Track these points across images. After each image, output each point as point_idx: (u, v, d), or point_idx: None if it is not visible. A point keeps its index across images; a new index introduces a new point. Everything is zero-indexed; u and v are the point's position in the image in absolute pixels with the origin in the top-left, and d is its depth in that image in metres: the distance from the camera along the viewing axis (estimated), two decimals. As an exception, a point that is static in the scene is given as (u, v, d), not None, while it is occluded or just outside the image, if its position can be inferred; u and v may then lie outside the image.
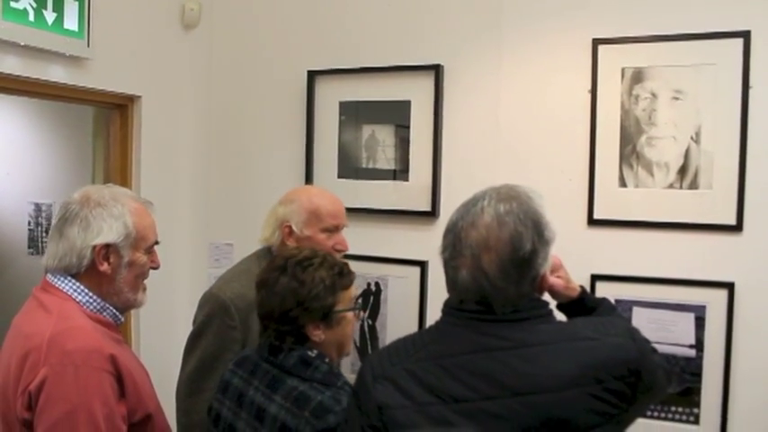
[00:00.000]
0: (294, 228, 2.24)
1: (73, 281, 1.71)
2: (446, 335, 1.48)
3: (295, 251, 1.86)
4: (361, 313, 1.88)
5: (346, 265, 1.85)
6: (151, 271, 1.84)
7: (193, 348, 2.20)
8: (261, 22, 3.13)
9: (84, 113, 3.69)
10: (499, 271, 1.41)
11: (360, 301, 1.86)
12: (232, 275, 2.27)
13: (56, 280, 1.71)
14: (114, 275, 1.73)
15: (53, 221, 1.76)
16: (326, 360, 1.78)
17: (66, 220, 1.71)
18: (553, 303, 1.67)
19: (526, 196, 1.49)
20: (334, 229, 2.28)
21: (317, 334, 1.76)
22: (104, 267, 1.71)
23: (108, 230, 1.70)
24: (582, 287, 1.77)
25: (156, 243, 1.84)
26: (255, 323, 2.13)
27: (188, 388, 2.18)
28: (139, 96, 2.99)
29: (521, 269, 1.42)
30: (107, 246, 1.70)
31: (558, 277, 1.71)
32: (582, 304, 1.74)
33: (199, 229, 3.25)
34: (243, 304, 2.13)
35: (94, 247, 1.69)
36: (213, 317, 2.16)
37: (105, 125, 3.11)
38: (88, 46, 2.66)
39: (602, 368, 1.38)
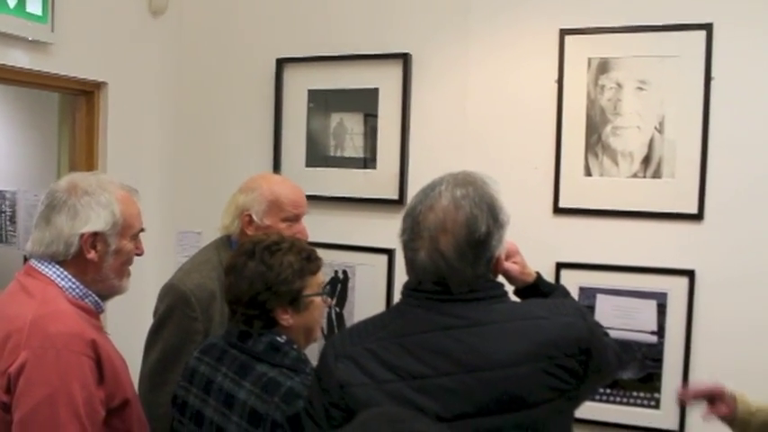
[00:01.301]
0: (254, 217, 2.22)
1: (57, 267, 1.71)
2: (405, 315, 1.53)
3: (263, 236, 1.87)
4: (329, 299, 1.89)
5: (314, 250, 1.87)
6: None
7: (155, 341, 2.19)
8: (230, 9, 3.11)
9: (50, 100, 3.64)
10: (455, 252, 1.46)
11: (328, 287, 1.86)
12: (191, 266, 2.25)
13: (40, 265, 1.71)
14: (101, 263, 1.74)
15: (39, 209, 1.76)
16: (295, 346, 1.79)
17: (53, 207, 1.71)
18: (510, 289, 1.71)
19: (482, 181, 1.55)
20: (295, 219, 2.27)
21: (286, 318, 1.77)
22: (92, 255, 1.71)
23: (96, 219, 1.71)
24: (537, 273, 1.84)
25: (142, 230, 1.84)
26: (217, 313, 2.13)
27: (151, 382, 2.17)
28: (106, 83, 2.95)
29: (476, 250, 1.48)
30: (95, 234, 1.71)
31: (514, 263, 1.78)
32: (537, 289, 1.81)
33: (166, 218, 3.23)
34: (203, 295, 2.13)
35: (82, 235, 1.69)
36: (174, 309, 2.15)
37: (71, 112, 3.07)
38: (52, 30, 2.62)
39: (554, 346, 1.45)
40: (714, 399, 2.00)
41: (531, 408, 1.44)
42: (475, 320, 1.47)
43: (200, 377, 1.83)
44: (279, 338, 1.77)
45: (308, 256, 1.82)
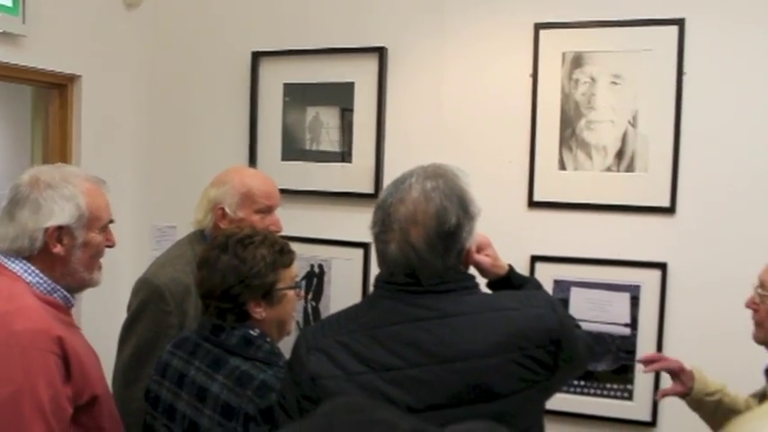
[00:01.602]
0: (227, 210, 2.22)
1: (24, 262, 1.68)
2: (376, 307, 1.54)
3: (236, 230, 1.86)
4: (302, 293, 1.90)
5: (286, 243, 1.87)
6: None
7: (129, 336, 2.18)
8: (205, 1, 3.09)
9: (23, 93, 3.61)
10: (426, 244, 1.47)
11: (303, 281, 1.86)
12: (165, 260, 2.24)
13: (7, 261, 1.69)
14: (69, 257, 1.71)
15: (2, 204, 1.73)
16: (268, 339, 1.79)
17: (16, 202, 1.69)
18: (483, 281, 1.73)
19: (452, 174, 1.55)
20: (268, 210, 2.28)
21: (259, 311, 1.77)
22: (58, 249, 1.69)
23: (60, 212, 1.68)
24: (510, 266, 1.85)
25: (111, 222, 1.82)
26: (191, 307, 2.13)
27: (125, 377, 2.15)
28: (79, 76, 2.92)
29: (446, 242, 1.49)
30: (59, 228, 1.68)
31: (486, 255, 1.80)
32: (509, 282, 1.82)
33: (141, 212, 3.21)
34: (177, 289, 2.12)
35: (46, 229, 1.67)
36: (148, 303, 2.13)
37: (44, 105, 3.03)
38: (23, 23, 2.58)
39: (524, 336, 1.46)
40: (673, 376, 2.07)
41: (501, 398, 1.45)
42: (445, 312, 1.48)
43: (172, 371, 1.82)
44: (252, 332, 1.77)
45: (280, 250, 1.82)
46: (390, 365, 1.46)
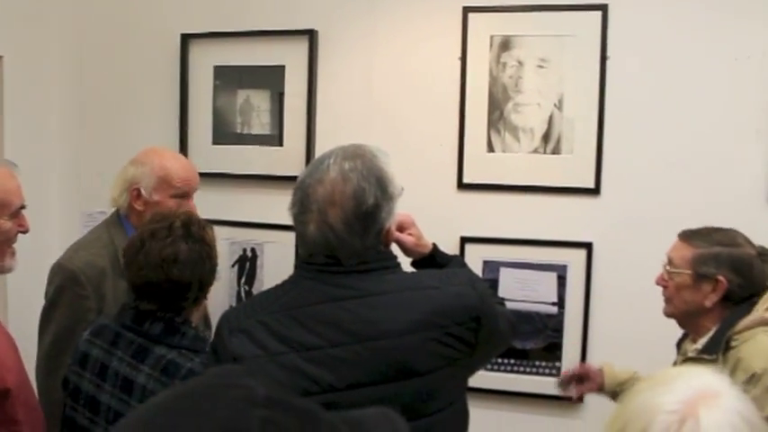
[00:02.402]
0: (143, 191, 2.18)
1: None
2: (297, 287, 1.55)
3: (172, 218, 1.78)
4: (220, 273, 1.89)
5: (209, 225, 1.85)
6: (22, 240, 1.77)
7: (47, 324, 2.13)
8: (132, -18, 3.02)
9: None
10: (344, 224, 1.48)
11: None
12: (80, 245, 2.20)
13: None
14: None
15: None
16: (193, 325, 1.77)
17: None
18: (407, 261, 1.75)
19: (371, 154, 1.56)
20: (184, 195, 2.24)
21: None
22: None
23: None
24: (434, 245, 1.87)
25: (23, 207, 1.77)
26: (109, 291, 2.09)
27: (47, 366, 2.10)
28: (1, 56, 2.84)
29: (365, 222, 1.50)
30: None
31: (410, 234, 1.82)
32: (433, 261, 1.84)
33: (71, 198, 3.13)
34: (93, 272, 2.08)
35: None
36: (63, 288, 2.09)
37: (-36, 87, 2.94)
38: (-61, 1, 2.50)
39: (444, 314, 1.48)
40: (583, 378, 2.21)
41: (422, 376, 1.47)
42: (366, 291, 1.50)
43: (93, 361, 1.77)
44: (176, 318, 1.74)
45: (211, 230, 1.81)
46: (311, 345, 1.47)
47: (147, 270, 1.70)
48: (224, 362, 1.51)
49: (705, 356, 1.83)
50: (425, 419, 1.49)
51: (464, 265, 1.89)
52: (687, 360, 1.92)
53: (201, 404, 0.60)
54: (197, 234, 1.73)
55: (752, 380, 1.69)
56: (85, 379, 1.77)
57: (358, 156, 1.54)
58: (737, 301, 1.86)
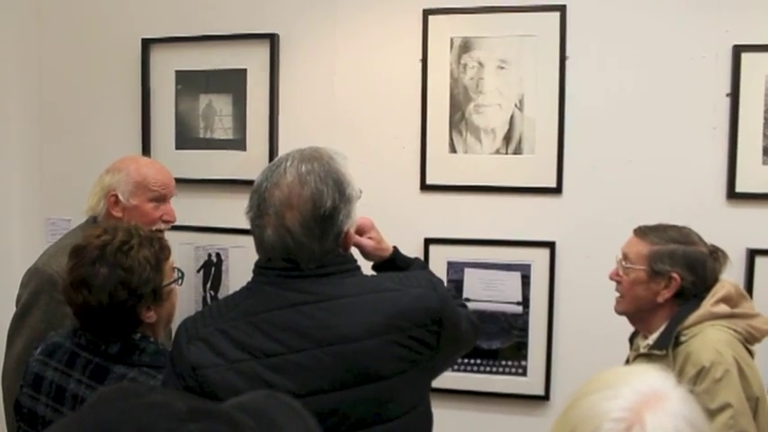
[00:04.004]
0: (121, 197, 2.19)
1: None
2: (256, 293, 1.52)
3: (104, 236, 1.68)
4: (181, 281, 1.82)
5: (158, 234, 1.80)
6: None
7: (20, 328, 2.09)
8: (92, -13, 3.00)
9: None
10: (302, 228, 1.46)
11: (177, 270, 1.80)
12: (56, 249, 2.17)
13: None
14: None
15: None
16: (152, 340, 1.71)
17: None
18: (367, 265, 1.74)
19: (328, 156, 1.54)
20: (162, 199, 2.25)
21: (150, 316, 1.68)
22: None
23: None
24: (395, 247, 1.86)
25: None
26: None
27: (18, 372, 2.02)
28: (-43, 64, 2.81)
29: (323, 225, 1.48)
30: None
31: (370, 238, 1.80)
32: (394, 264, 1.83)
33: (34, 205, 3.10)
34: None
35: None
36: (40, 293, 2.07)
37: None
38: None
39: (405, 317, 1.47)
40: None
41: (384, 380, 1.46)
42: (325, 295, 1.48)
43: (48, 384, 1.70)
44: (133, 335, 1.68)
45: (159, 245, 1.72)
46: (271, 352, 1.45)
47: (66, 291, 1.67)
48: (182, 372, 1.48)
49: (656, 352, 1.86)
50: (389, 423, 1.48)
51: (425, 268, 1.88)
52: (639, 356, 1.94)
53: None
54: (110, 257, 1.63)
55: (701, 373, 1.73)
56: (41, 403, 1.70)
57: (315, 158, 1.52)
58: (687, 298, 1.90)
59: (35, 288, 2.09)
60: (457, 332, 1.58)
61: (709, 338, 1.80)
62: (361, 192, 1.57)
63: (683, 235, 1.93)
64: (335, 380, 1.44)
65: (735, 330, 1.83)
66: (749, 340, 1.86)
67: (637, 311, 1.98)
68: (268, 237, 1.48)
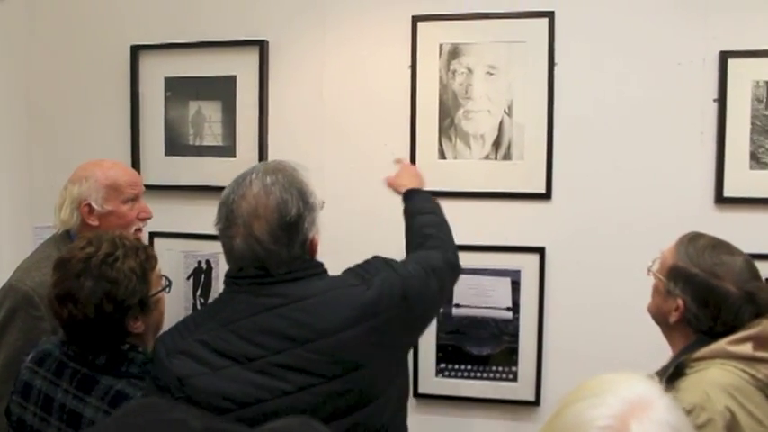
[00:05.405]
0: (94, 205, 2.17)
1: None
2: (230, 302, 1.59)
3: (88, 248, 1.66)
4: (169, 288, 1.82)
5: (143, 243, 1.79)
6: None
7: None
8: (81, -7, 2.99)
9: None
10: (269, 236, 1.55)
11: (164, 277, 1.79)
12: (30, 264, 2.15)
13: None
14: None
15: None
16: (140, 349, 1.70)
17: None
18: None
19: (291, 168, 1.65)
20: (135, 198, 2.24)
21: (138, 326, 1.67)
22: None
23: None
24: (410, 191, 2.15)
25: None
26: None
27: None
28: (-54, 71, 2.79)
29: (289, 232, 1.58)
30: None
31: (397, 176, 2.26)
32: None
33: (22, 213, 3.08)
34: (46, 292, 2.03)
35: None
36: (16, 310, 2.03)
37: None
38: None
39: (374, 304, 1.57)
40: None
41: (365, 366, 1.56)
42: (296, 297, 1.56)
43: (36, 393, 1.69)
44: (121, 346, 1.67)
45: (145, 255, 1.71)
46: (254, 356, 1.52)
47: (51, 305, 1.67)
48: (168, 385, 1.51)
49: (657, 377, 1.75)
50: (376, 401, 1.59)
51: (432, 211, 2.07)
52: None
53: None
54: (95, 270, 1.62)
55: None
56: (29, 411, 1.70)
57: (279, 170, 1.62)
58: (705, 332, 1.70)
59: (11, 306, 2.05)
60: (426, 294, 1.68)
61: (706, 378, 1.59)
62: (323, 202, 1.69)
63: (715, 264, 1.70)
64: (320, 374, 1.52)
65: (753, 376, 1.59)
66: None
67: (656, 320, 1.83)
68: (238, 246, 1.57)
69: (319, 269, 1.64)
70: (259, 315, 1.54)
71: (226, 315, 1.56)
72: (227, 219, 1.59)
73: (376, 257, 1.75)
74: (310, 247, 1.64)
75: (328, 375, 1.52)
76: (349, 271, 1.69)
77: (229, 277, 1.62)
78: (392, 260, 1.71)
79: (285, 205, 1.57)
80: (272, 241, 1.55)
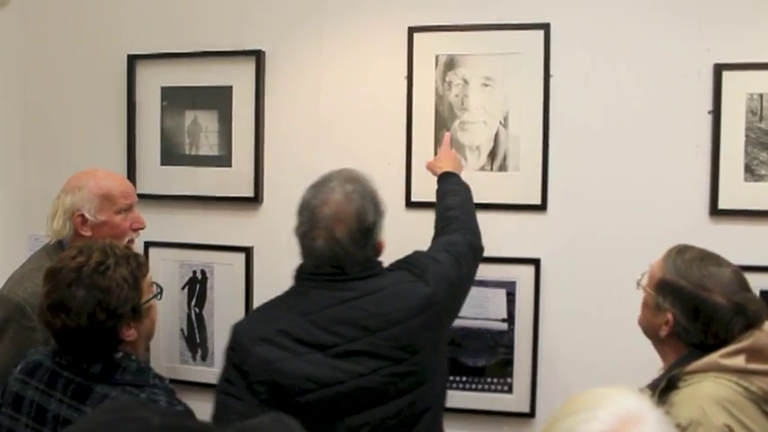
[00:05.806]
0: (87, 215, 2.17)
1: None
2: (307, 295, 1.79)
3: (79, 257, 1.65)
4: (160, 295, 1.81)
5: (134, 251, 1.79)
6: None
7: None
8: (77, 2, 2.99)
9: None
10: (349, 238, 1.75)
11: (155, 284, 1.79)
12: (22, 274, 2.14)
13: None
14: None
15: None
16: (134, 357, 1.70)
17: None
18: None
19: (364, 178, 1.86)
20: (128, 209, 2.25)
21: (131, 334, 1.67)
22: None
23: None
24: (446, 172, 2.33)
25: None
26: None
27: None
28: (-58, 80, 2.80)
29: (366, 236, 1.79)
30: None
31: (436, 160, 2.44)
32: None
33: (18, 221, 3.08)
34: (39, 303, 2.03)
35: None
36: (8, 321, 2.03)
37: None
38: None
39: (433, 296, 1.83)
40: None
41: (424, 349, 1.80)
42: (368, 290, 1.77)
43: (28, 404, 1.67)
44: (114, 354, 1.66)
45: (136, 263, 1.70)
46: (331, 343, 1.71)
47: (43, 315, 1.65)
48: (254, 369, 1.69)
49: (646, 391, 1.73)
50: (428, 383, 1.82)
51: (458, 195, 2.27)
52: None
53: None
54: (87, 279, 1.61)
55: None
56: (22, 423, 1.67)
57: (356, 179, 1.83)
58: (696, 345, 1.68)
59: (3, 317, 2.05)
60: (462, 280, 1.98)
61: (700, 392, 1.56)
62: (386, 208, 1.90)
63: (703, 276, 1.68)
64: (389, 358, 1.74)
65: (746, 389, 1.56)
66: None
67: (647, 334, 1.82)
68: (319, 246, 1.75)
69: (381, 268, 1.86)
70: (336, 307, 1.74)
71: (304, 307, 1.75)
72: (311, 221, 1.76)
73: (417, 252, 1.98)
74: (378, 249, 1.86)
75: (396, 359, 1.74)
76: (400, 268, 1.90)
77: (304, 273, 1.82)
78: (431, 253, 1.97)
79: (364, 211, 1.77)
80: (350, 243, 1.75)
